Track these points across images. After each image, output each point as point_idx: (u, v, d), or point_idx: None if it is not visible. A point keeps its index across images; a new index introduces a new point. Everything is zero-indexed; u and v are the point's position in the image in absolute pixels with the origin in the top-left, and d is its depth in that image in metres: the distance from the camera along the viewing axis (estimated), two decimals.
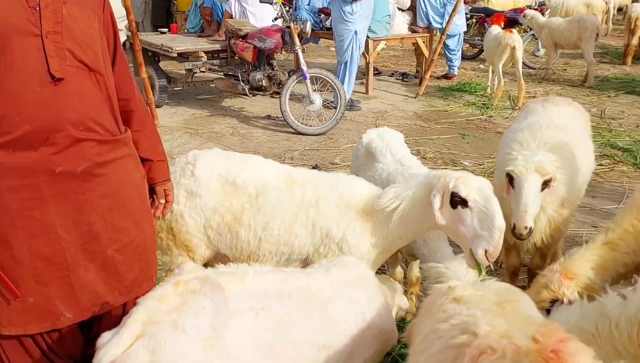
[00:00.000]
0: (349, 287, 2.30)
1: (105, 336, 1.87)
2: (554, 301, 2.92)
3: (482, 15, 13.77)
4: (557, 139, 3.50)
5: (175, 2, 13.40)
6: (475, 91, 10.64)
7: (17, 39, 1.88)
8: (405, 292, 3.54)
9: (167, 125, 8.33)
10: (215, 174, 2.96)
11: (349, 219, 2.87)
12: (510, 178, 3.17)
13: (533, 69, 12.79)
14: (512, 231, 3.13)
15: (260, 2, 8.43)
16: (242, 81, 8.47)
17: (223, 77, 8.96)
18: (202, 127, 8.32)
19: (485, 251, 2.57)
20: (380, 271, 4.01)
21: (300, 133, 7.97)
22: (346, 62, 9.17)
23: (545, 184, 3.11)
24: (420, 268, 3.62)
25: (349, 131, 8.23)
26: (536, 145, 3.41)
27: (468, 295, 1.98)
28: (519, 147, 3.40)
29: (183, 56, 8.81)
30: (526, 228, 3.06)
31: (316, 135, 7.97)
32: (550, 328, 1.69)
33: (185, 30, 11.18)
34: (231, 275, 2.08)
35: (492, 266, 4.59)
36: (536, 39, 12.44)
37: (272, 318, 2.03)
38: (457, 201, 2.62)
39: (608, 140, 7.71)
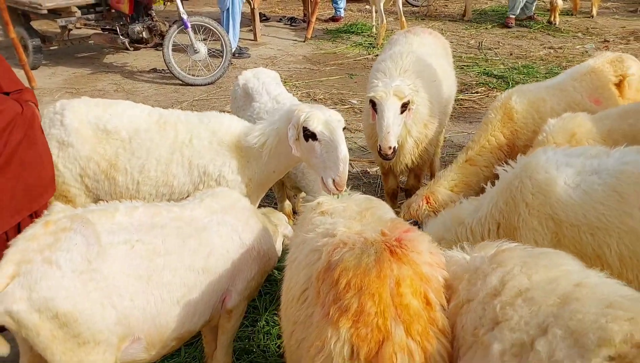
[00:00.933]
0: (223, 214, 2.44)
1: None
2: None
3: None
4: (417, 65, 3.76)
5: None
6: (362, 32, 10.86)
7: None
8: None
9: (45, 87, 7.95)
10: (85, 122, 2.96)
11: (224, 156, 2.97)
12: (373, 104, 3.39)
13: (416, 6, 13.15)
14: (379, 152, 3.37)
15: None
16: (121, 34, 8.17)
17: (101, 32, 8.58)
18: (83, 86, 8.01)
19: (333, 180, 2.73)
20: (269, 206, 4.19)
21: (188, 84, 7.88)
22: (228, 9, 9.03)
23: (405, 106, 3.35)
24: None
25: None
26: (397, 72, 3.64)
27: (333, 207, 2.17)
28: (382, 75, 3.62)
29: (55, 13, 8.32)
30: (390, 148, 3.30)
31: (205, 85, 7.91)
32: (396, 223, 1.92)
33: None
34: (101, 212, 2.15)
35: (376, 191, 4.92)
36: None
37: (148, 248, 2.14)
38: (307, 134, 2.78)
39: (484, 69, 8.19)
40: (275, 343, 3.04)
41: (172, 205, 2.42)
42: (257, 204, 3.23)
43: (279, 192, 4.14)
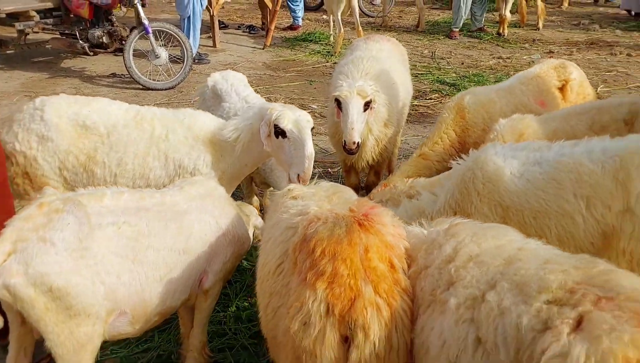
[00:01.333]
0: (201, 200, 2.61)
1: None
2: None
3: None
4: (376, 69, 4.03)
5: None
6: (320, 40, 11.14)
7: None
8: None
9: (3, 90, 7.90)
10: (64, 117, 3.08)
11: (198, 151, 3.15)
12: (338, 103, 3.64)
13: (372, 17, 13.55)
14: (344, 147, 3.61)
15: None
16: (81, 39, 8.18)
17: (59, 36, 8.57)
18: (42, 90, 7.98)
19: (298, 175, 2.98)
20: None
21: (149, 88, 7.97)
22: (189, 16, 9.14)
23: (367, 105, 3.60)
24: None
25: (200, 84, 8.26)
26: (359, 75, 3.89)
27: (303, 192, 2.38)
28: (345, 78, 3.88)
29: (13, 17, 8.28)
30: (354, 143, 3.55)
31: (165, 89, 8.01)
32: (362, 201, 2.15)
33: None
34: (90, 195, 2.31)
35: None
36: None
37: (133, 230, 2.30)
38: (278, 131, 3.01)
39: (437, 77, 8.57)
40: (246, 327, 3.23)
41: (154, 191, 2.58)
42: None
43: (247, 188, 4.32)
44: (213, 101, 4.09)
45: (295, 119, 3.02)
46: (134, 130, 3.12)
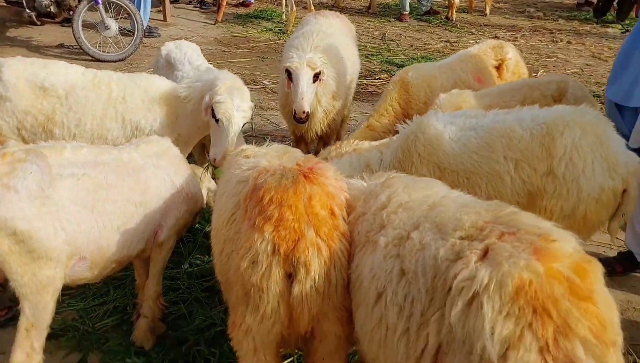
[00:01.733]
0: (156, 158, 2.76)
1: None
2: None
3: None
4: (326, 43, 4.24)
5: None
6: (272, 18, 11.24)
7: None
8: None
9: None
10: (22, 78, 3.16)
11: (155, 113, 3.29)
12: (288, 74, 3.82)
13: None
14: (294, 117, 3.81)
15: None
16: (28, 7, 8.04)
17: (4, 4, 8.38)
18: None
19: (214, 159, 3.22)
20: None
21: (99, 60, 7.91)
22: None
23: (317, 77, 3.80)
24: None
25: (150, 57, 8.33)
26: (309, 48, 4.09)
27: (255, 151, 2.57)
28: (296, 50, 4.06)
29: None
30: (304, 112, 3.76)
31: (115, 61, 7.97)
32: (309, 157, 2.36)
33: None
34: (51, 148, 2.43)
35: None
36: None
37: (92, 181, 2.44)
38: (214, 114, 3.20)
39: (386, 58, 8.83)
40: (198, 282, 3.41)
41: (111, 148, 2.72)
42: None
43: (200, 156, 4.47)
44: (166, 70, 4.20)
45: (230, 113, 3.20)
46: (92, 92, 3.23)
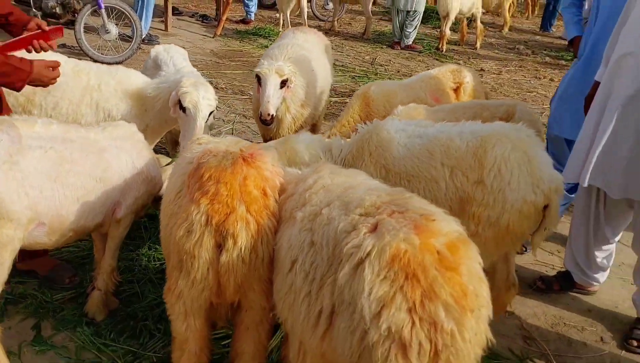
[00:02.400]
0: (120, 141, 3.02)
1: None
2: None
3: None
4: (298, 55, 4.54)
5: None
6: (269, 36, 11.58)
7: None
8: None
9: None
10: None
11: (126, 103, 3.56)
12: (258, 79, 4.11)
13: (322, 21, 14.11)
14: (260, 119, 4.08)
15: None
16: (34, 7, 8.39)
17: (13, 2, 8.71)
18: None
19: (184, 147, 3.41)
20: None
21: (97, 61, 8.18)
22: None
23: (284, 83, 4.09)
24: None
25: None
26: (282, 58, 4.38)
27: (209, 140, 2.84)
28: (269, 59, 4.36)
29: None
30: (269, 115, 4.04)
31: (112, 64, 8.24)
32: (253, 145, 2.63)
33: None
34: (23, 121, 2.69)
35: None
36: None
37: (58, 155, 2.69)
38: (181, 105, 3.47)
39: (372, 81, 9.15)
40: (154, 265, 3.65)
41: (80, 127, 2.97)
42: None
43: (171, 148, 4.74)
44: (152, 70, 4.51)
45: (196, 100, 3.46)
46: (71, 79, 3.50)
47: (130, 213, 3.07)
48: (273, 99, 4.02)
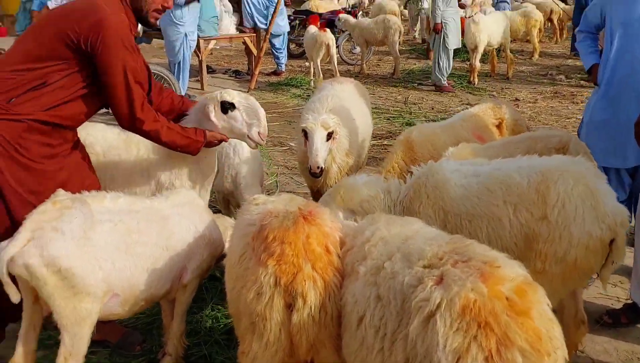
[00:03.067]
0: (182, 207, 3.16)
1: (2, 243, 2.56)
2: None
3: (304, 17, 15.13)
4: (338, 105, 4.68)
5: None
6: (301, 85, 11.87)
7: None
8: None
9: None
10: None
11: (173, 167, 3.68)
12: (305, 133, 4.25)
13: (351, 65, 14.39)
14: (309, 172, 4.20)
15: None
16: None
17: None
18: None
19: (259, 132, 3.57)
20: None
21: None
22: (179, 62, 9.84)
23: (330, 135, 4.21)
24: None
25: None
26: (324, 110, 4.52)
27: (265, 199, 2.95)
28: (312, 112, 4.50)
29: None
30: (318, 167, 4.16)
31: None
32: (310, 203, 2.72)
33: (16, 34, 11.11)
34: (93, 197, 2.86)
35: None
36: (352, 38, 14.03)
37: (126, 227, 2.83)
38: (226, 106, 3.55)
39: (408, 120, 9.25)
40: (219, 325, 3.74)
41: (144, 198, 3.14)
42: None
43: (225, 210, 4.88)
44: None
45: (238, 93, 3.61)
46: (124, 151, 3.68)
47: (196, 277, 3.18)
48: (321, 152, 4.14)
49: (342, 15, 13.56)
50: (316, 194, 4.83)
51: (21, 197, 2.96)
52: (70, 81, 3.09)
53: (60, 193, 2.79)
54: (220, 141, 3.63)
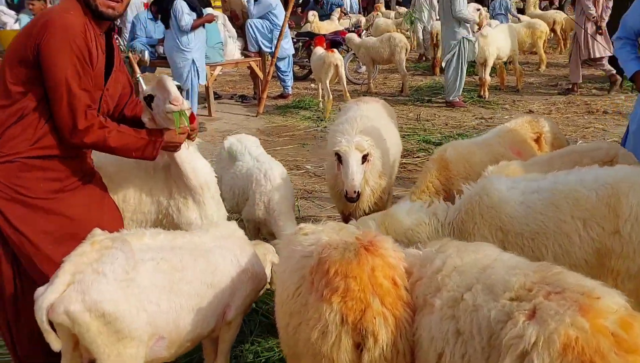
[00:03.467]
0: (224, 240, 2.99)
1: (40, 289, 2.38)
2: None
3: (307, 38, 15.07)
4: (369, 126, 4.51)
5: None
6: (310, 107, 11.75)
7: None
8: None
9: None
10: None
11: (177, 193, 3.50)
12: (338, 157, 4.07)
13: (357, 84, 14.28)
14: (345, 196, 4.02)
15: None
16: None
17: None
18: None
19: (170, 102, 3.10)
20: None
21: None
22: (187, 89, 9.70)
23: (365, 158, 4.04)
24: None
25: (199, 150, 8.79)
26: (354, 132, 4.36)
27: (313, 229, 2.76)
28: (342, 135, 4.33)
29: None
30: (355, 191, 3.99)
31: None
32: (367, 232, 2.54)
33: None
34: (133, 235, 2.68)
35: None
36: (357, 57, 13.95)
37: (169, 264, 2.65)
38: (148, 101, 3.19)
39: (423, 137, 9.09)
40: (260, 360, 3.53)
41: (184, 232, 2.96)
42: None
43: (253, 234, 4.70)
44: (227, 161, 4.59)
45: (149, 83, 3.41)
46: (136, 170, 3.51)
47: (240, 313, 3.00)
48: (357, 176, 3.97)
49: (349, 35, 13.51)
50: (346, 219, 4.65)
51: (27, 239, 2.82)
52: (44, 105, 2.87)
53: (97, 232, 2.61)
54: (175, 146, 3.28)
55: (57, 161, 2.96)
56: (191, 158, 3.47)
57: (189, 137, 3.36)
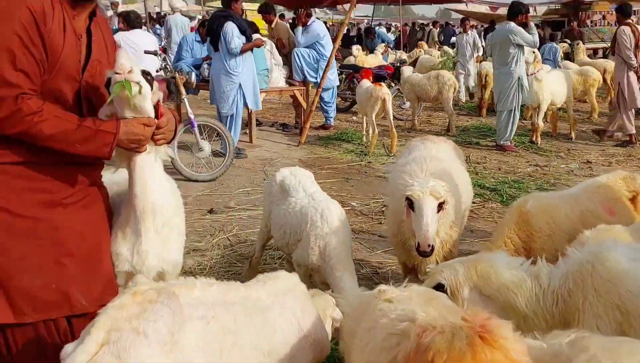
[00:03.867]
0: (283, 296, 2.52)
1: (68, 347, 1.93)
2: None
3: (351, 71, 14.79)
4: (439, 168, 4.03)
5: None
6: (352, 140, 11.34)
7: None
8: None
9: None
10: None
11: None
12: (409, 202, 3.56)
13: (401, 120, 13.85)
14: (417, 249, 3.51)
15: (145, 53, 8.50)
16: None
17: None
18: None
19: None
20: None
21: (191, 180, 8.03)
22: (232, 114, 9.31)
23: (440, 206, 3.54)
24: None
25: (239, 177, 8.45)
26: (424, 174, 3.88)
27: (397, 295, 2.28)
28: (409, 177, 3.85)
29: None
30: (429, 246, 3.47)
31: (207, 181, 8.09)
32: (474, 311, 2.04)
33: None
34: (182, 286, 2.22)
35: None
36: (401, 93, 13.57)
37: (220, 325, 2.19)
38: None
39: (476, 181, 8.52)
40: None
41: (239, 285, 2.49)
42: None
43: (305, 281, 4.22)
44: (279, 196, 4.16)
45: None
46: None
47: None
48: (432, 226, 3.45)
49: (404, 67, 13.24)
50: (409, 272, 4.14)
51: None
52: None
53: (141, 280, 2.16)
54: (139, 141, 2.51)
55: (48, 169, 2.41)
56: (147, 170, 2.64)
57: (153, 138, 2.58)
